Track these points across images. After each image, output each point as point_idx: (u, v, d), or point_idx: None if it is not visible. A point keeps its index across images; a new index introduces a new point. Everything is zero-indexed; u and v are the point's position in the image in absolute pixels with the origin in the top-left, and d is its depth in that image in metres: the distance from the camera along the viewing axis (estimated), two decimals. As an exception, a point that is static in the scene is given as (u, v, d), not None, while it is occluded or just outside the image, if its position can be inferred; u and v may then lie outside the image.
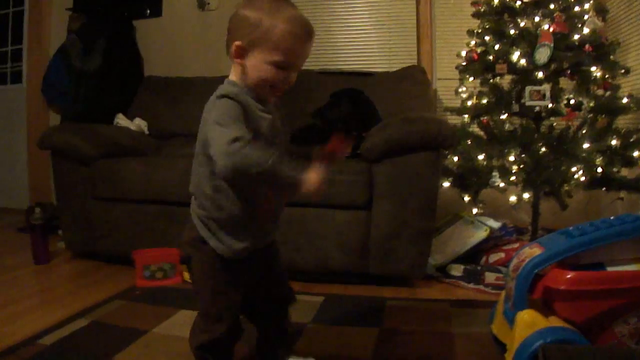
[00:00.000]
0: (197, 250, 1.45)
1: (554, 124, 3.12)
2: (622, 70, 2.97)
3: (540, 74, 2.95)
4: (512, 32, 3.06)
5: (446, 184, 3.22)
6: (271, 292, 1.65)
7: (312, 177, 1.31)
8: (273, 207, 1.52)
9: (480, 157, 3.06)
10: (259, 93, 1.41)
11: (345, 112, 3.14)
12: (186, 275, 2.78)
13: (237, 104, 1.31)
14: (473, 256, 2.92)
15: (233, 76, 1.42)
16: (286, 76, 1.39)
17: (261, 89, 1.40)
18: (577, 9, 2.99)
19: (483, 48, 3.21)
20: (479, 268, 2.74)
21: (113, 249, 3.09)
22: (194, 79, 4.04)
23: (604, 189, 2.96)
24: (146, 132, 3.83)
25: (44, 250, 3.17)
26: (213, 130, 1.27)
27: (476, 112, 3.18)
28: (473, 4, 3.30)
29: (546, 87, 2.93)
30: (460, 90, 3.31)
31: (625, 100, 2.88)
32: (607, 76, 2.96)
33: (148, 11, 4.50)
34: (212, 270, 1.45)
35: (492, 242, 2.93)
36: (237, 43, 1.35)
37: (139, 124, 3.81)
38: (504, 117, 3.11)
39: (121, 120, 3.80)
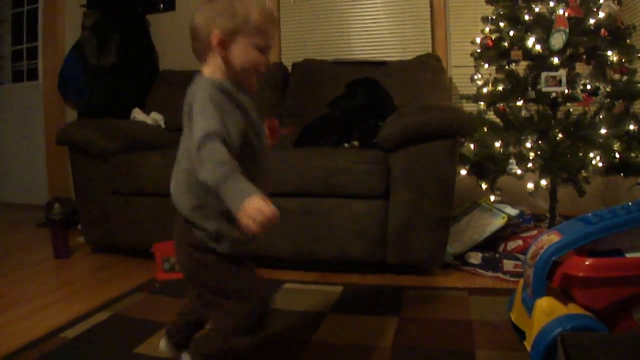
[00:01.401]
0: None
1: (571, 109, 3.10)
2: (639, 54, 2.94)
3: (555, 60, 2.93)
4: (526, 17, 3.04)
5: (463, 172, 3.21)
6: None
7: (255, 205, 1.18)
8: None
9: (497, 144, 3.05)
10: (243, 82, 1.43)
11: (360, 101, 3.14)
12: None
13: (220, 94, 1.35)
14: (491, 244, 2.91)
15: (209, 71, 1.43)
16: (267, 59, 1.43)
17: (248, 75, 1.42)
18: (591, -7, 2.96)
19: (498, 34, 3.19)
20: (497, 256, 2.73)
21: (132, 243, 3.11)
22: (208, 71, 4.05)
23: (621, 174, 2.94)
24: (163, 126, 3.84)
25: (64, 245, 3.21)
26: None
27: (492, 99, 3.16)
28: (487, -10, 3.28)
29: (562, 73, 2.91)
30: (475, 77, 3.29)
31: (642, 85, 2.86)
32: (623, 60, 2.93)
33: (161, 5, 4.51)
34: None
35: (510, 229, 2.92)
36: (218, 34, 1.37)
37: (155, 118, 3.82)
38: (520, 103, 3.09)
39: (138, 114, 3.82)
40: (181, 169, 1.42)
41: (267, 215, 1.16)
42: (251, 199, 1.18)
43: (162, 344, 1.66)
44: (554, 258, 1.56)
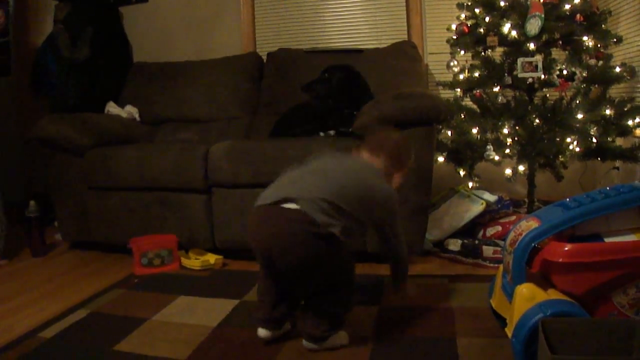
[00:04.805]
0: None
1: (547, 95, 3.11)
2: (614, 39, 2.95)
3: (531, 45, 2.93)
4: (502, 3, 3.04)
5: (441, 159, 3.22)
6: None
7: None
8: None
9: (474, 130, 3.05)
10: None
11: (336, 87, 3.10)
12: (184, 261, 2.77)
13: None
14: (470, 230, 2.92)
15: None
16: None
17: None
18: (566, -22, 2.97)
19: (473, 21, 3.19)
20: (476, 242, 2.73)
21: (110, 238, 3.08)
22: (182, 63, 4.01)
23: (599, 158, 2.96)
24: (138, 118, 3.80)
25: (41, 243, 3.17)
26: None
27: (468, 86, 3.17)
28: (462, -24, 3.27)
29: (538, 59, 2.92)
30: (451, 64, 3.29)
31: (618, 70, 2.88)
32: (599, 45, 2.95)
33: (134, -3, 4.46)
34: None
35: (489, 215, 2.93)
36: None
37: (130, 111, 3.78)
38: (496, 89, 3.10)
39: (112, 108, 3.77)
40: None
41: None
42: None
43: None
44: (533, 244, 1.56)
